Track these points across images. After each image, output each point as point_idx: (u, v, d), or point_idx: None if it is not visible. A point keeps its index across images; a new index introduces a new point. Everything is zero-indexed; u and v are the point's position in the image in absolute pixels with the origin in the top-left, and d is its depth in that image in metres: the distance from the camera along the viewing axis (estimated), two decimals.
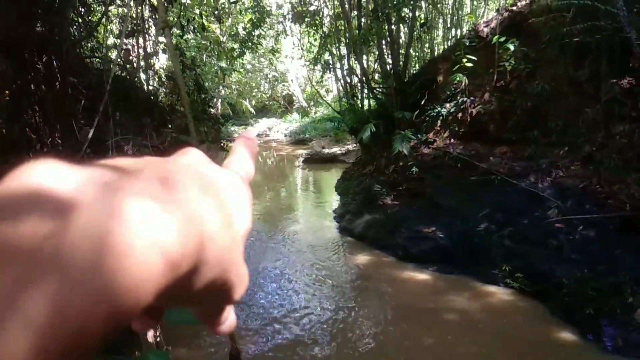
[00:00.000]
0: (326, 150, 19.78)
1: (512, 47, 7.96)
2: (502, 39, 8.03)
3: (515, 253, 6.52)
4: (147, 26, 7.94)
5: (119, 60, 7.23)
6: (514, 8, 8.71)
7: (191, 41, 11.30)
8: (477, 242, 7.03)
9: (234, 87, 29.05)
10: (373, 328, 5.47)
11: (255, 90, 32.47)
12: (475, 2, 15.06)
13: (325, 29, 14.27)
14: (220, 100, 26.05)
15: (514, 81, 8.28)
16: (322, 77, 16.69)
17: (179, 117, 7.59)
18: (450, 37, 14.12)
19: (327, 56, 14.63)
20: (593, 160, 6.87)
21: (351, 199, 10.21)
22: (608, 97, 6.74)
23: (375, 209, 9.09)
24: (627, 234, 5.73)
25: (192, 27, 10.02)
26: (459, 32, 13.90)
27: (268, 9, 13.99)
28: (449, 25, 14.26)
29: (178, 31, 10.00)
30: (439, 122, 9.28)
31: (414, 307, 6.01)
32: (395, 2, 10.45)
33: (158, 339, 3.51)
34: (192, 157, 0.32)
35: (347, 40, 12.74)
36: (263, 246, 8.62)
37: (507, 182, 7.57)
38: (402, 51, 11.54)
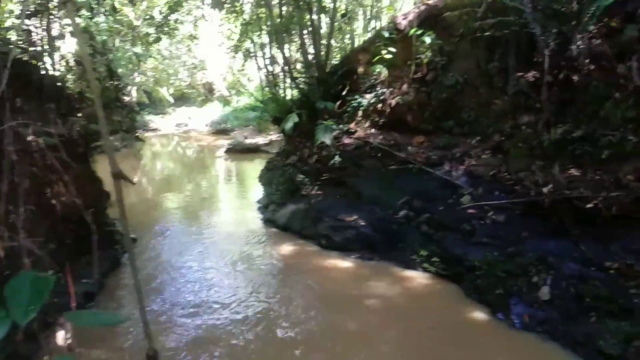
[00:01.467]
0: (249, 141, 19.54)
1: (428, 40, 8.23)
2: (419, 32, 8.28)
3: (432, 238, 6.82)
4: (51, 6, 7.34)
5: (20, 42, 6.65)
6: (430, 2, 8.98)
7: (102, 24, 10.60)
8: (397, 229, 7.27)
9: (150, 74, 27.77)
10: (298, 317, 5.49)
11: (174, 77, 31.24)
12: None
13: (246, 16, 13.99)
14: (135, 87, 24.85)
15: (430, 73, 8.57)
16: (243, 65, 16.38)
17: (90, 105, 7.12)
18: (370, 29, 14.37)
19: (248, 44, 14.37)
20: (502, 149, 7.30)
21: (275, 189, 10.16)
22: (515, 90, 7.17)
23: (299, 199, 9.12)
24: (532, 218, 6.17)
25: (102, 10, 9.42)
26: (378, 24, 14.17)
27: None
28: (368, 17, 14.50)
29: (88, 13, 9.36)
30: (360, 112, 9.43)
31: (338, 294, 6.12)
32: None
33: (69, 342, 3.29)
34: None
35: (269, 29, 12.58)
36: (183, 239, 8.37)
37: (424, 170, 7.88)
38: (323, 41, 11.58)
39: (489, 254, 6.03)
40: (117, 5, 11.30)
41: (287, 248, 7.80)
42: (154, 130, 27.90)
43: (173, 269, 7.01)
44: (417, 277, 6.49)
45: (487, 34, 7.60)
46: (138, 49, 15.11)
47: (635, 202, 5.35)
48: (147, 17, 14.97)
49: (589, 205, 5.48)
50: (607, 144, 5.93)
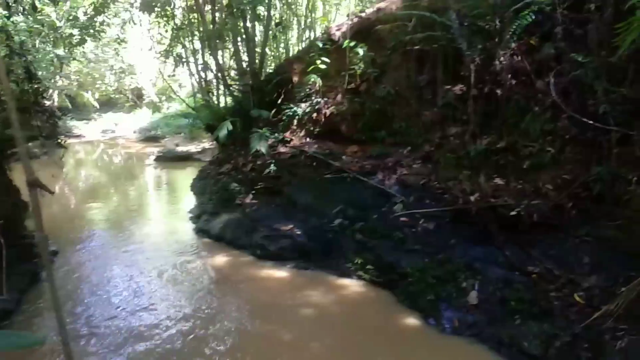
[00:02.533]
0: (180, 148, 19.02)
1: (361, 52, 8.41)
2: (353, 44, 8.45)
3: (366, 246, 6.92)
4: None
5: None
6: (363, 14, 9.22)
7: (21, 24, 9.94)
8: (332, 238, 7.31)
9: (73, 77, 26.37)
10: (232, 329, 5.37)
11: (99, 82, 29.86)
12: (327, 6, 15.65)
13: (177, 20, 13.66)
14: (57, 91, 23.50)
15: (364, 84, 8.77)
16: (174, 71, 15.95)
17: (5, 109, 6.64)
18: (304, 39, 14.50)
19: (179, 49, 14.03)
20: (431, 159, 7.58)
21: (208, 198, 9.93)
22: (443, 102, 7.49)
23: (233, 208, 8.96)
24: (460, 225, 6.42)
25: (21, 8, 8.83)
26: (312, 34, 14.33)
27: None
28: (303, 27, 14.62)
29: (4, 12, 8.75)
30: (295, 121, 9.46)
31: (272, 304, 6.04)
32: (250, 0, 10.40)
33: None
34: None
35: (201, 34, 12.35)
36: (109, 252, 7.95)
37: (358, 179, 8.01)
38: (258, 49, 11.54)
39: (420, 261, 6.20)
40: (37, 4, 10.64)
41: (220, 259, 7.62)
42: (78, 136, 26.46)
43: (97, 284, 6.64)
44: (352, 285, 6.55)
45: (416, 47, 7.89)
46: (60, 51, 14.31)
47: (553, 209, 5.72)
48: (71, 18, 14.22)
49: (512, 213, 5.79)
50: (528, 154, 6.31)
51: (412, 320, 5.55)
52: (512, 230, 5.87)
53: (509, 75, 6.63)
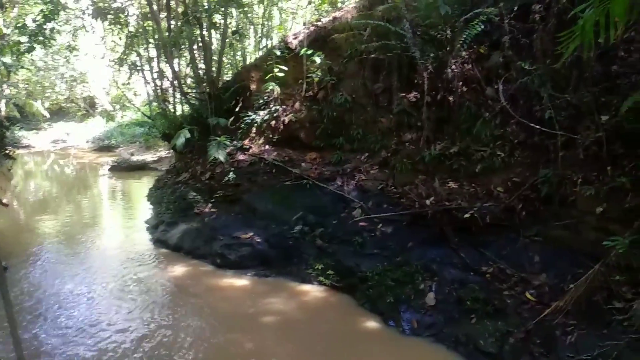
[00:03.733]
0: (135, 158, 18.58)
1: (318, 60, 8.50)
2: (310, 52, 8.52)
3: (326, 252, 6.97)
4: None
5: None
6: (319, 23, 9.31)
7: None
8: (292, 244, 7.32)
9: (22, 86, 25.37)
10: (193, 341, 5.28)
11: (50, 90, 28.82)
12: (283, 15, 15.71)
13: (131, 28, 13.40)
14: (4, 100, 22.56)
15: (321, 92, 8.86)
16: (129, 79, 15.62)
17: None
18: (261, 47, 14.50)
19: (134, 57, 13.75)
20: (388, 164, 7.72)
21: (165, 208, 9.75)
22: (399, 109, 7.65)
23: (191, 217, 8.83)
24: (417, 228, 6.57)
25: None
26: (269, 42, 14.36)
27: (63, 1, 12.47)
28: (259, 35, 14.62)
29: None
30: (254, 129, 9.44)
31: (234, 314, 5.99)
32: (206, 8, 10.33)
33: None
34: None
35: (157, 42, 12.15)
36: (63, 266, 7.68)
37: (317, 185, 8.06)
38: (215, 57, 11.46)
39: (379, 264, 6.30)
40: None
41: (179, 269, 7.49)
42: (27, 147, 25.47)
43: (52, 299, 6.39)
44: (313, 291, 6.58)
45: (372, 56, 8.05)
46: (7, 59, 13.75)
47: (505, 211, 5.94)
48: (19, 24, 13.69)
49: (465, 215, 5.98)
50: (480, 158, 6.54)
51: (372, 323, 5.62)
52: (467, 232, 6.06)
53: (460, 83, 6.87)
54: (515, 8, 6.52)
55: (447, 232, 6.18)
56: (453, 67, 6.85)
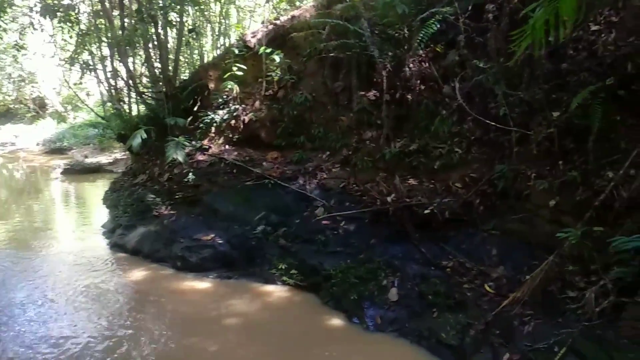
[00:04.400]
0: (89, 160, 18.00)
1: (277, 59, 8.46)
2: (269, 51, 8.48)
3: (290, 251, 6.95)
4: None
5: None
6: (278, 22, 9.27)
7: None
8: (255, 245, 7.26)
9: None
10: (154, 346, 5.16)
11: None
12: (241, 13, 15.55)
13: (82, 26, 12.94)
14: None
15: (281, 91, 8.82)
16: (81, 78, 15.08)
17: None
18: (219, 45, 14.31)
19: (86, 56, 13.28)
20: (350, 163, 7.78)
21: (122, 211, 9.48)
22: (359, 107, 7.71)
23: (149, 220, 8.62)
24: (379, 225, 6.64)
25: None
26: (227, 40, 14.19)
27: None
28: (217, 33, 14.42)
29: None
30: (213, 128, 9.30)
31: (196, 317, 5.89)
32: (161, 5, 10.09)
33: None
34: None
35: (110, 40, 11.78)
36: (12, 274, 7.34)
37: (279, 185, 8.02)
38: (171, 56, 11.21)
39: (343, 262, 6.33)
40: None
41: (138, 273, 7.30)
42: None
43: (4, 310, 6.10)
44: (277, 291, 6.55)
45: (331, 54, 8.07)
46: None
47: (463, 206, 6.08)
48: None
49: (425, 211, 6.10)
50: (438, 155, 6.67)
51: (336, 321, 5.65)
52: (427, 227, 6.17)
53: (418, 81, 6.99)
54: (470, 8, 6.69)
55: (408, 228, 6.27)
56: (411, 65, 6.96)
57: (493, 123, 6.02)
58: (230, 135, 9.17)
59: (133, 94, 11.98)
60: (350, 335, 5.38)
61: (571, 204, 5.03)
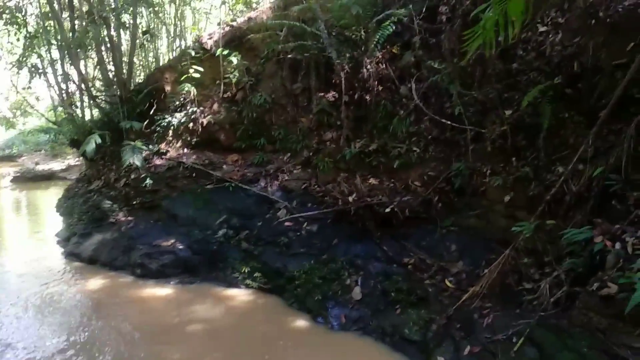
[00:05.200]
0: (41, 167, 17.37)
1: (235, 61, 8.39)
2: (226, 52, 8.39)
3: (252, 254, 6.91)
4: None
5: None
6: (234, 23, 9.19)
7: None
8: (217, 249, 7.18)
9: None
10: (114, 356, 5.01)
11: None
12: (196, 15, 15.35)
13: (30, 28, 12.45)
14: None
15: (240, 93, 8.75)
16: (30, 82, 14.49)
17: None
18: (175, 47, 14.08)
19: (35, 59, 12.80)
20: (310, 164, 7.80)
21: (77, 219, 9.17)
22: (318, 109, 7.75)
23: (106, 227, 8.38)
24: (341, 225, 6.68)
25: None
26: (183, 42, 13.97)
27: None
28: (172, 35, 14.18)
29: None
30: (171, 132, 9.13)
31: (157, 325, 5.76)
32: (113, 7, 9.84)
33: None
34: None
35: (60, 43, 11.38)
36: None
37: (240, 188, 7.95)
38: (125, 58, 10.95)
39: (306, 263, 6.34)
40: None
41: (95, 282, 7.08)
42: None
43: None
44: (240, 295, 6.48)
45: (289, 56, 8.08)
46: None
47: (422, 204, 6.21)
48: None
49: (386, 210, 6.18)
50: (397, 155, 6.77)
51: (301, 322, 5.65)
52: (388, 225, 6.26)
53: (376, 82, 7.08)
54: (424, 9, 6.84)
55: (369, 227, 6.35)
56: (368, 67, 7.04)
57: (449, 122, 6.18)
58: (189, 139, 9.03)
59: (86, 98, 11.63)
60: (315, 336, 5.39)
61: (524, 198, 5.21)
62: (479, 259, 5.43)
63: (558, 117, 4.99)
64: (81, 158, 12.67)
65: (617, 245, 3.75)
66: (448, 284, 5.34)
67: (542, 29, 5.45)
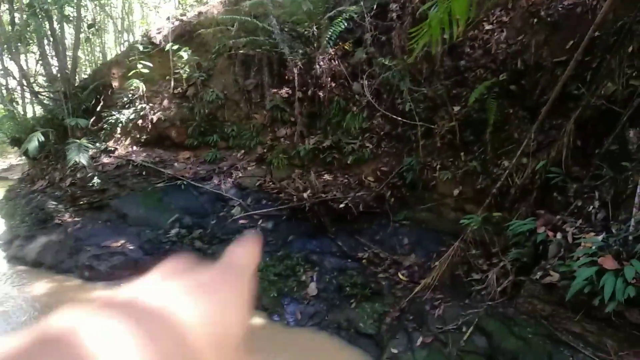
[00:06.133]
0: None
1: (185, 56, 8.21)
2: (176, 47, 8.20)
3: (206, 253, 6.80)
4: None
5: None
6: (184, 18, 8.99)
7: None
8: (169, 249, 7.02)
9: None
10: None
11: None
12: (145, 9, 14.93)
13: None
14: None
15: (191, 88, 8.58)
16: None
17: None
18: (122, 42, 13.64)
19: None
20: (265, 160, 7.75)
21: (20, 221, 8.75)
22: (272, 105, 7.70)
23: (51, 229, 8.04)
24: (296, 221, 6.69)
25: None
26: (131, 37, 13.57)
27: None
28: (120, 30, 13.74)
29: None
30: (119, 129, 8.85)
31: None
32: None
33: None
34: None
35: None
36: None
37: (193, 186, 7.81)
38: (69, 53, 10.51)
39: (261, 260, 6.28)
40: None
41: (40, 286, 6.78)
42: None
43: None
44: None
45: (241, 52, 7.98)
46: None
47: (376, 199, 6.29)
48: None
49: (341, 205, 6.23)
50: (351, 151, 6.83)
51: (257, 320, 5.61)
52: (343, 221, 6.31)
53: (329, 79, 7.10)
54: (374, 7, 6.91)
55: (325, 223, 6.38)
56: (321, 63, 7.06)
57: (400, 118, 6.28)
58: (138, 136, 8.78)
59: (27, 94, 11.08)
60: (271, 333, 5.37)
61: (473, 192, 5.39)
62: (430, 251, 5.56)
63: (503, 112, 5.17)
64: (23, 157, 12.09)
65: (559, 235, 3.93)
66: (401, 277, 5.44)
67: (487, 27, 5.62)
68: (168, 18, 9.42)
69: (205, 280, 0.33)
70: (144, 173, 8.22)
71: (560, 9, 4.80)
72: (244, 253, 0.41)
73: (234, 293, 0.34)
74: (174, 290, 0.30)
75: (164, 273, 0.34)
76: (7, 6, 10.36)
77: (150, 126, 8.60)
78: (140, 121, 8.64)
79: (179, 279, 0.33)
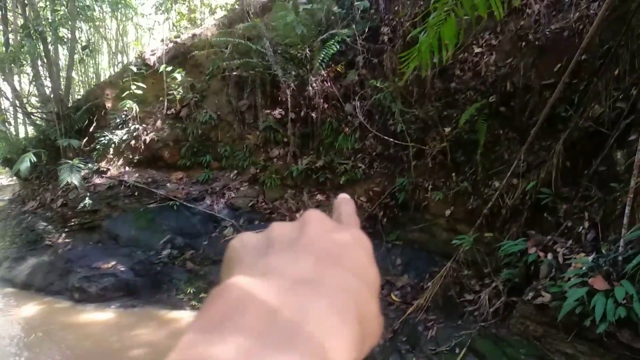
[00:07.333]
0: None
1: (179, 77, 8.28)
2: (169, 69, 8.26)
3: (198, 274, 6.76)
4: None
5: None
6: (178, 40, 9.08)
7: None
8: (161, 270, 6.98)
9: None
10: None
11: None
12: (139, 31, 15.06)
13: None
14: None
15: (184, 109, 8.62)
16: None
17: None
18: (116, 63, 13.73)
19: None
20: (258, 181, 7.77)
21: (10, 242, 8.66)
22: (265, 126, 7.75)
23: (42, 250, 7.96)
24: None
25: None
26: (125, 58, 13.66)
27: None
28: (114, 51, 13.83)
29: None
30: (112, 149, 8.85)
31: (97, 351, 5.50)
32: (50, 20, 9.50)
33: None
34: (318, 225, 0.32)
35: None
36: None
37: (185, 206, 7.79)
38: (63, 74, 10.55)
39: None
40: None
41: (30, 309, 6.69)
42: None
43: None
44: (186, 317, 6.31)
45: (235, 73, 8.06)
46: None
47: (368, 219, 6.30)
48: None
49: None
50: (343, 171, 6.87)
51: None
52: None
53: (321, 100, 7.18)
54: (366, 30, 7.03)
55: None
56: (314, 85, 7.13)
57: (392, 139, 6.34)
58: (131, 157, 8.78)
59: (20, 115, 11.09)
60: None
61: (464, 212, 5.41)
62: (423, 272, 5.56)
63: (493, 133, 5.24)
64: (14, 177, 12.02)
65: (549, 256, 3.95)
66: (394, 297, 5.42)
67: (477, 50, 5.72)
68: (162, 40, 9.51)
69: None
70: (136, 194, 8.20)
71: (547, 32, 4.90)
72: None
73: None
74: None
75: None
76: (1, 27, 10.42)
77: (143, 147, 8.61)
78: (133, 142, 8.64)
79: None
